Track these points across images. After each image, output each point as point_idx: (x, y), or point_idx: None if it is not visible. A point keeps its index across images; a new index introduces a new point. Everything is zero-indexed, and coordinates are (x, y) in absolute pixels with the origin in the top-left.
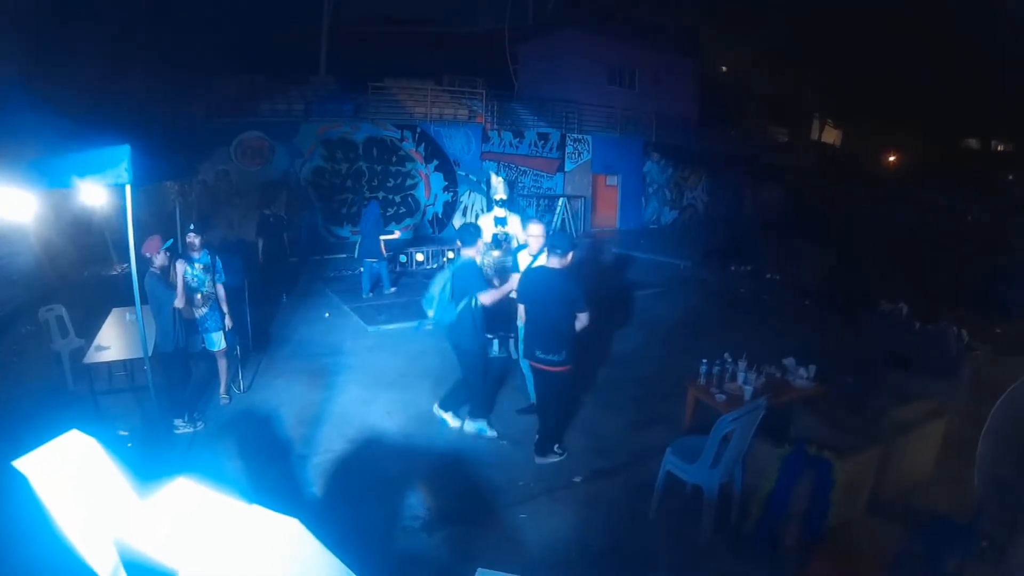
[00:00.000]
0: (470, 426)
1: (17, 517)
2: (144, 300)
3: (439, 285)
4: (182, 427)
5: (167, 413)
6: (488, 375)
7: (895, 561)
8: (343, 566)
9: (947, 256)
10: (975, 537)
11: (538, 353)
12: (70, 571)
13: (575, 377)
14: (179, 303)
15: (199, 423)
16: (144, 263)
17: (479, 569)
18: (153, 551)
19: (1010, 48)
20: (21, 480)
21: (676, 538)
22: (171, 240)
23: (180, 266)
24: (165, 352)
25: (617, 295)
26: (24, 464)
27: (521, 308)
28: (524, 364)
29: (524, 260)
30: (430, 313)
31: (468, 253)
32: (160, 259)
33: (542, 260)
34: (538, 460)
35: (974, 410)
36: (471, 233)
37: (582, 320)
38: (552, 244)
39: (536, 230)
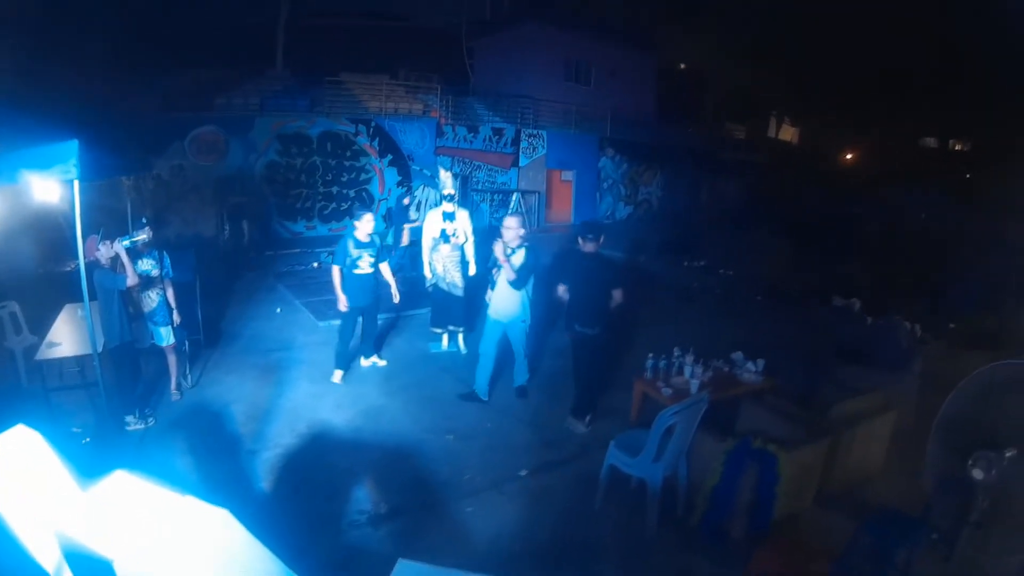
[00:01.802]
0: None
1: None
2: (93, 296)
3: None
4: (133, 423)
5: (118, 409)
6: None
7: (843, 553)
8: (269, 553)
9: (901, 253)
10: (925, 530)
11: (576, 327)
12: (15, 564)
13: (609, 343)
14: (131, 280)
15: (150, 419)
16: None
17: (399, 560)
18: (91, 541)
19: (966, 48)
20: None
21: (622, 531)
22: (101, 228)
23: (117, 245)
24: (112, 347)
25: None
26: None
27: (562, 288)
28: (487, 351)
29: (499, 251)
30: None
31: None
32: (105, 252)
33: (519, 255)
34: (569, 421)
35: (925, 403)
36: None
37: (617, 297)
38: (584, 232)
39: (512, 223)
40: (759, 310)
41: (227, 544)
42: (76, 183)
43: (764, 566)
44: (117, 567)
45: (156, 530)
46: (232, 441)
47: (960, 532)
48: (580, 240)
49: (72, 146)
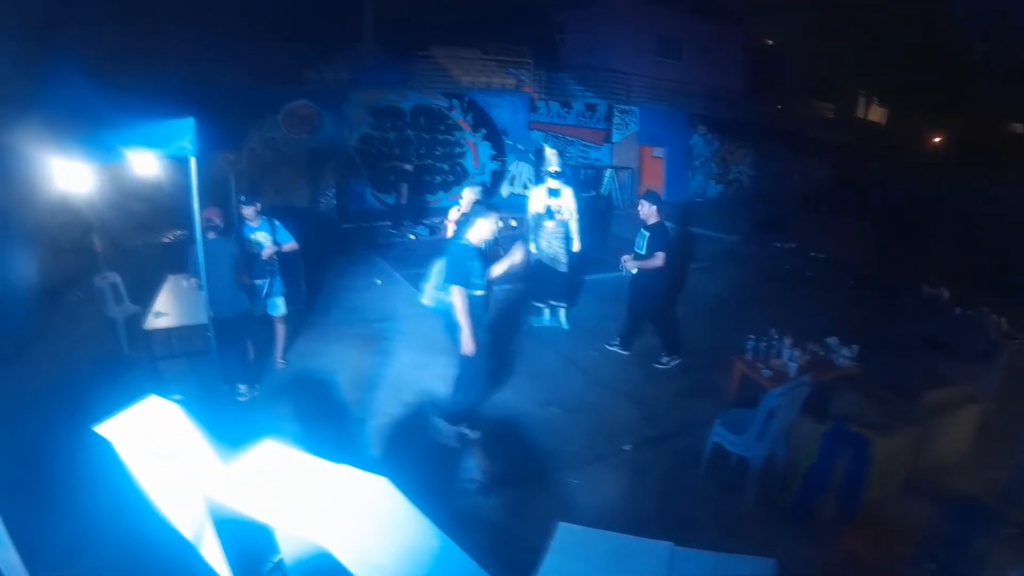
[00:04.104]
0: (447, 428)
1: (97, 479)
2: (205, 267)
3: (436, 272)
4: (240, 391)
5: (226, 378)
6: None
7: (925, 540)
8: (430, 523)
9: (989, 242)
10: (1003, 521)
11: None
12: (153, 530)
13: None
14: (267, 252)
15: (256, 387)
16: (204, 231)
17: (560, 523)
18: (246, 508)
19: None
20: (103, 444)
21: (720, 506)
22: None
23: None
24: (225, 318)
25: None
26: (106, 429)
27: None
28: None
29: (455, 214)
30: (424, 300)
31: (471, 233)
32: (222, 225)
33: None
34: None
35: (1009, 397)
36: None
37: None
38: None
39: (468, 195)
40: (849, 294)
41: (388, 512)
42: (193, 159)
43: (852, 547)
44: (278, 535)
45: (317, 498)
46: (339, 409)
47: None
48: (641, 205)
49: (188, 123)
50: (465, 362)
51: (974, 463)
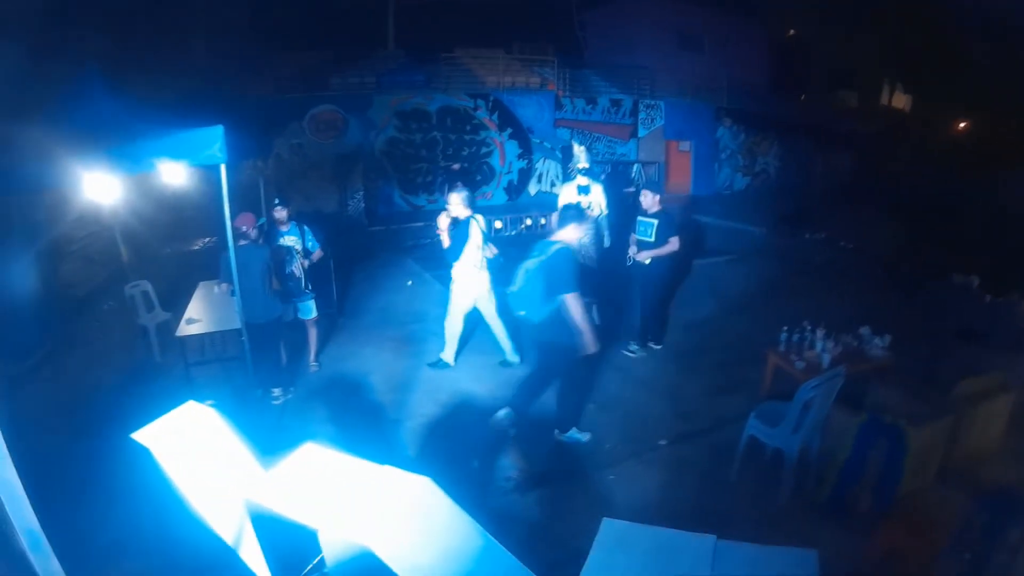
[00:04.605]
0: (559, 436)
1: (135, 486)
2: (237, 273)
3: (523, 277)
4: (274, 395)
5: (260, 382)
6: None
7: (960, 530)
8: (473, 521)
9: (1018, 230)
10: None
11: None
12: (193, 535)
13: None
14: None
15: (290, 391)
16: (235, 237)
17: (604, 519)
18: (289, 511)
19: None
20: (141, 451)
21: (755, 500)
22: (263, 219)
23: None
24: (257, 323)
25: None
26: (144, 436)
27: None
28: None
29: (444, 222)
30: (521, 312)
31: (564, 237)
32: (253, 233)
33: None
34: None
35: None
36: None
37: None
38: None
39: (455, 199)
40: (879, 284)
41: (432, 511)
42: (223, 167)
43: (888, 538)
44: (321, 536)
45: (361, 499)
46: (374, 410)
47: None
48: (644, 195)
49: (218, 131)
50: (570, 366)
51: (1007, 452)
